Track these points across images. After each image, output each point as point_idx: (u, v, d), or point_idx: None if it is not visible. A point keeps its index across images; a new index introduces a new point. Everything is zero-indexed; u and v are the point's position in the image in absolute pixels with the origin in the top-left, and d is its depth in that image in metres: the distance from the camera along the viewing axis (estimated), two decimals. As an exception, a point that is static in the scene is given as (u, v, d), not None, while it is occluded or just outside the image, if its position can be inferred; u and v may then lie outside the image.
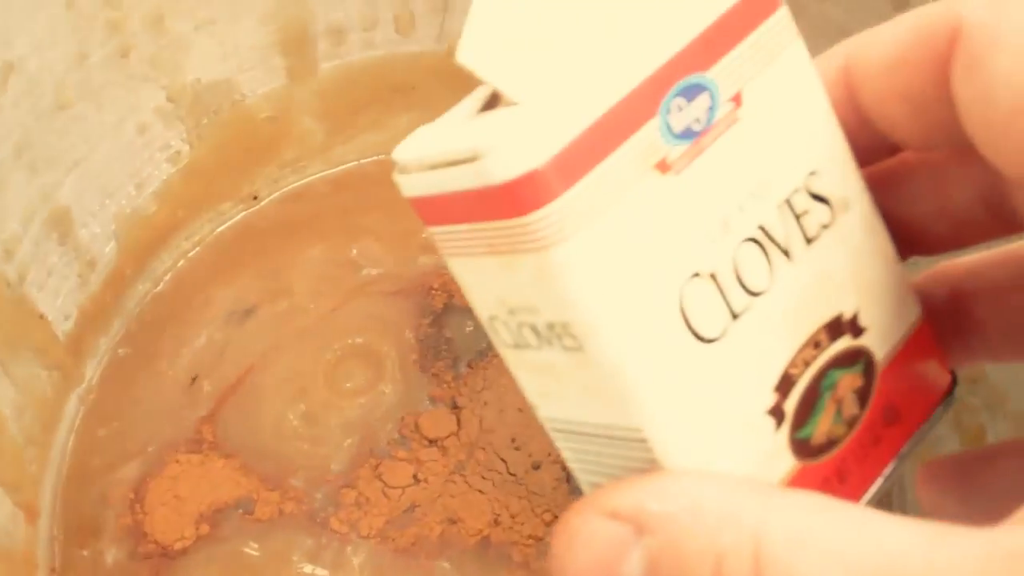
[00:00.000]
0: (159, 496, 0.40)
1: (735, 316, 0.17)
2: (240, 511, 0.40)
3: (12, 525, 0.38)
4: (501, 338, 0.19)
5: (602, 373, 0.17)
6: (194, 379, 0.43)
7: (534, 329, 0.17)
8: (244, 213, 0.46)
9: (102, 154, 0.39)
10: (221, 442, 0.42)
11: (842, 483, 0.19)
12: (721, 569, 0.15)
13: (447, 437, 0.42)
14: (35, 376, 0.40)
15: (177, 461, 0.41)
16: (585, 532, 0.17)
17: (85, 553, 0.41)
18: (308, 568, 0.39)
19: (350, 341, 0.43)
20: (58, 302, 0.40)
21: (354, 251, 0.46)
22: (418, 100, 0.45)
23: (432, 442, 0.42)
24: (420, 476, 0.41)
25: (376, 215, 0.46)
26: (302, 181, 0.47)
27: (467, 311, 0.45)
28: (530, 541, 0.41)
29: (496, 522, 0.41)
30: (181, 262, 0.45)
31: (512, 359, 0.19)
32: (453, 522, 0.41)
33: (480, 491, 0.41)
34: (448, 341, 0.44)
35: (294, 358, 0.43)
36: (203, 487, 0.41)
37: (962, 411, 0.38)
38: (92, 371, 0.43)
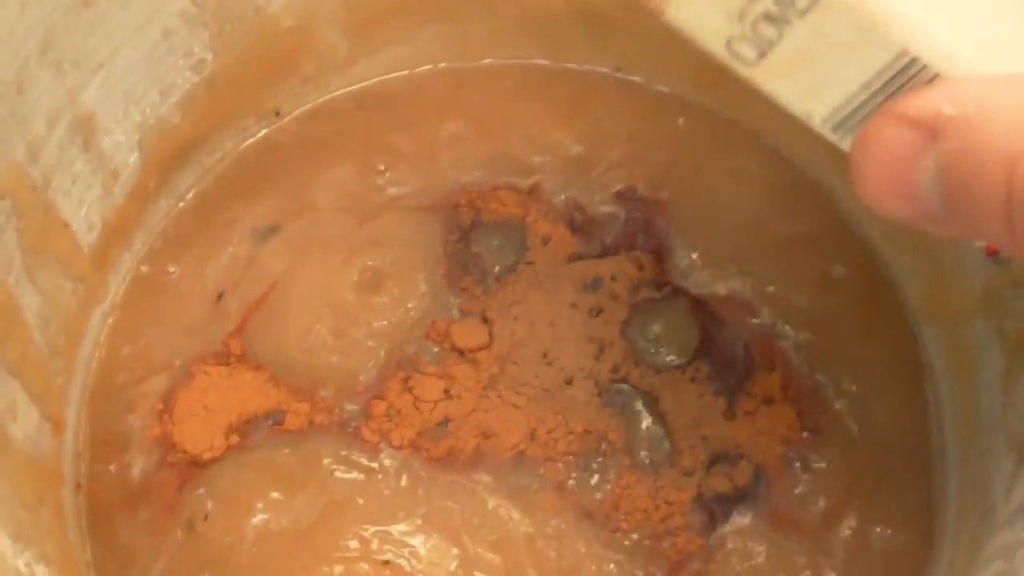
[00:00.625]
0: (188, 407, 0.40)
1: None
2: (270, 422, 0.40)
3: (39, 435, 0.38)
4: (745, 57, 0.19)
5: (848, 13, 0.17)
6: (220, 296, 0.42)
7: (768, 16, 0.18)
8: (267, 130, 0.45)
9: (126, 57, 0.38)
10: (249, 355, 0.41)
11: None
12: (1015, 169, 0.16)
13: (478, 350, 0.41)
14: (59, 287, 0.39)
15: (206, 373, 0.40)
16: (882, 138, 0.18)
17: (112, 468, 0.40)
18: (341, 473, 0.39)
19: (376, 255, 0.43)
20: (82, 212, 0.39)
21: (380, 169, 0.45)
22: (444, 11, 0.44)
23: (463, 353, 0.41)
24: (452, 392, 0.41)
25: (401, 133, 0.45)
26: (325, 97, 0.46)
27: (495, 227, 0.44)
28: (566, 457, 0.40)
29: (532, 437, 0.40)
30: (204, 179, 0.44)
31: (765, 76, 0.19)
32: (487, 436, 0.40)
33: (515, 406, 0.41)
34: (475, 257, 0.43)
35: (320, 273, 0.43)
36: (232, 399, 0.40)
37: (1005, 317, 0.38)
38: (116, 287, 0.42)
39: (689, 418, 0.41)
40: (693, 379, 0.41)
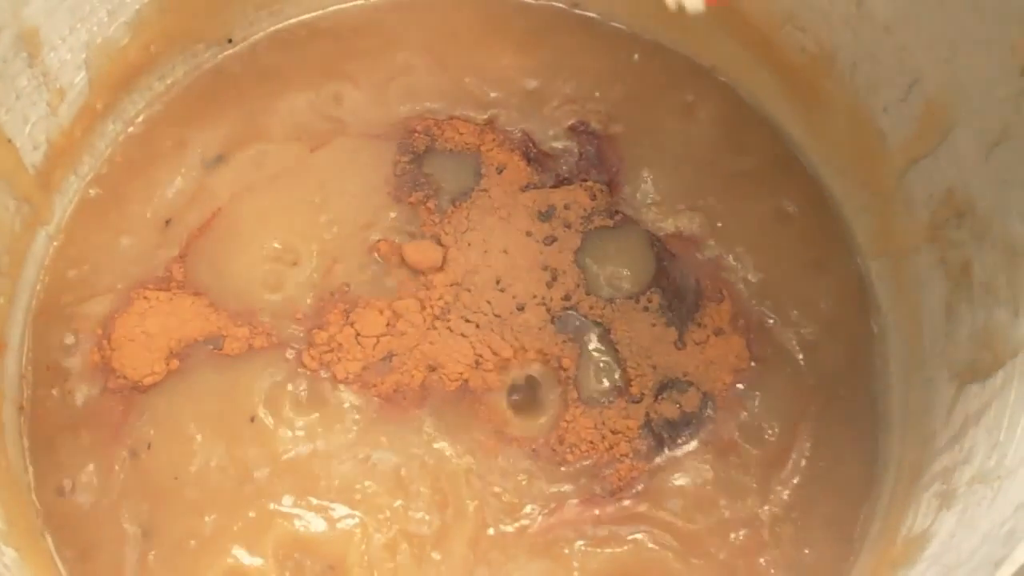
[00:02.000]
0: (126, 332, 0.39)
1: None
2: (210, 347, 0.40)
3: (-20, 353, 0.37)
4: None
5: None
6: (168, 222, 0.42)
7: None
8: (219, 57, 0.45)
9: (71, -29, 0.37)
10: (191, 281, 0.41)
11: None
12: None
13: (431, 271, 0.41)
14: (3, 205, 0.38)
15: (144, 298, 0.40)
16: None
17: (54, 392, 0.40)
18: (282, 405, 0.39)
19: (323, 180, 0.42)
20: (27, 129, 0.38)
21: (333, 98, 0.44)
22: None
23: (416, 274, 0.41)
24: (396, 327, 0.40)
25: (355, 64, 0.45)
26: (279, 25, 0.45)
27: (449, 154, 0.44)
28: (511, 388, 0.40)
29: (477, 365, 0.40)
30: (154, 104, 0.44)
31: None
32: (433, 369, 0.40)
33: (462, 335, 0.40)
34: (427, 177, 0.43)
35: (267, 199, 0.42)
36: (171, 323, 0.40)
37: (948, 247, 0.38)
38: (62, 210, 0.42)
39: (640, 347, 0.41)
40: (646, 309, 0.41)
